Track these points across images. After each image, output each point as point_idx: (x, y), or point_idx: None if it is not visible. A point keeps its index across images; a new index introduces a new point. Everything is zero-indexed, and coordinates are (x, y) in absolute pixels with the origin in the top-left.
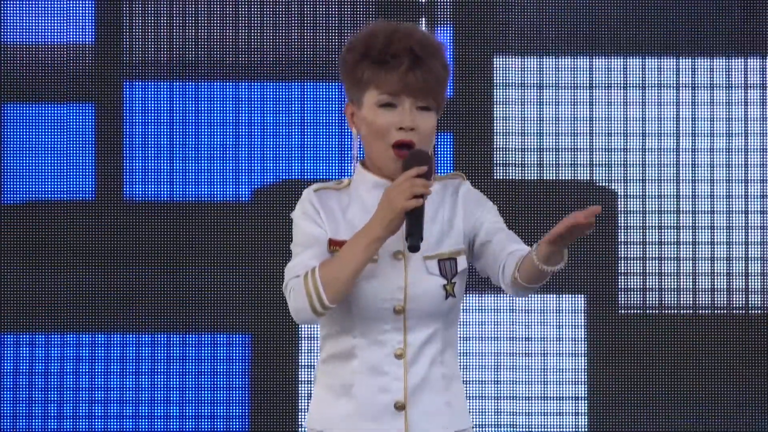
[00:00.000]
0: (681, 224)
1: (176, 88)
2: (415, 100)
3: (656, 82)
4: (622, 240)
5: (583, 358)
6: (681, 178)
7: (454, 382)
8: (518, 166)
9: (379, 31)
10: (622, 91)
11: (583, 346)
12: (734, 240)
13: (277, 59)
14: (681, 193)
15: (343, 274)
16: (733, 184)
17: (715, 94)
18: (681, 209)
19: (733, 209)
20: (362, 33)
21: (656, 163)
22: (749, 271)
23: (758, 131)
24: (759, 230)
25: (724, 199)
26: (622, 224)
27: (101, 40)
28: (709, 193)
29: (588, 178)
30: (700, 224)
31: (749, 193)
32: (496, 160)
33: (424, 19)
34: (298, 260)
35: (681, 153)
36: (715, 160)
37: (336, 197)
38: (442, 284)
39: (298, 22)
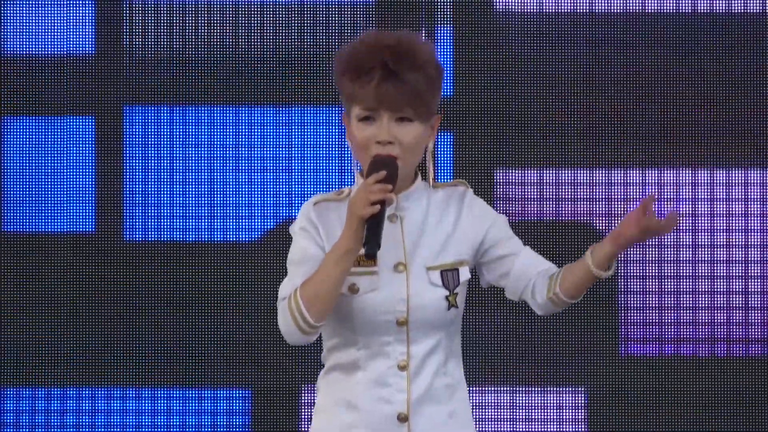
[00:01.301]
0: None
1: (177, 113)
2: (392, 113)
3: None
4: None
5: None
6: (681, 227)
7: (458, 392)
8: (518, 166)
9: (358, 45)
10: None
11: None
12: (734, 289)
13: (295, 84)
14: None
15: (321, 290)
16: (733, 231)
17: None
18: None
19: (733, 259)
20: (347, 46)
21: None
22: (749, 321)
23: (758, 187)
24: (759, 283)
25: (724, 249)
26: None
27: (101, 50)
28: (708, 243)
29: (589, 168)
30: (700, 272)
31: (749, 244)
32: (497, 160)
33: (424, 19)
34: (289, 282)
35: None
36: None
37: (335, 208)
38: (444, 295)
39: (303, 43)
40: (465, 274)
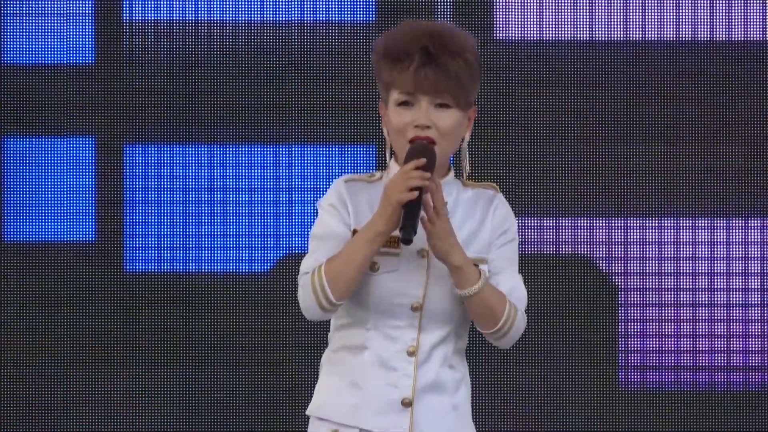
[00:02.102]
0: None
1: (177, 151)
2: (431, 98)
3: None
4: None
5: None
6: (681, 270)
7: (463, 387)
8: (519, 166)
9: (399, 31)
10: None
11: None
12: (734, 332)
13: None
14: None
15: (347, 270)
16: (732, 262)
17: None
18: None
19: (732, 302)
20: (386, 33)
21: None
22: (749, 350)
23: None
24: (759, 323)
25: (724, 292)
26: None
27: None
28: (708, 287)
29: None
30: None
31: (749, 286)
32: (497, 160)
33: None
34: (311, 257)
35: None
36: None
37: (366, 190)
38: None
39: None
40: (485, 272)
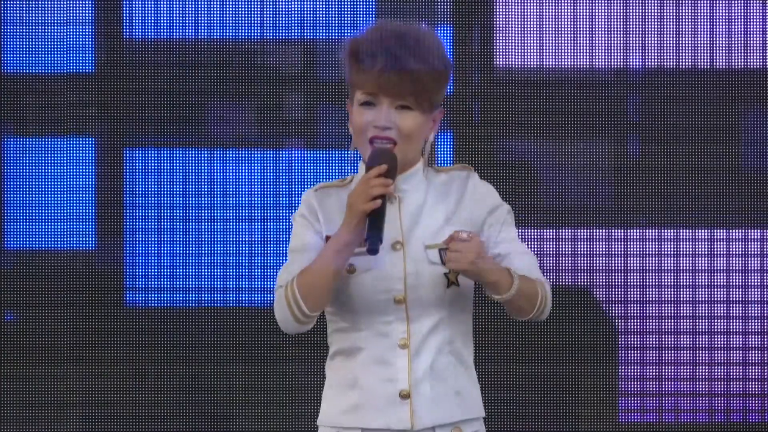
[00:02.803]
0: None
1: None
2: (392, 99)
3: None
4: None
5: None
6: (681, 299)
7: (466, 371)
8: (518, 166)
9: (367, 32)
10: None
11: None
12: (732, 360)
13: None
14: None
15: (318, 281)
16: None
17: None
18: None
19: (732, 329)
20: (358, 34)
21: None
22: (749, 392)
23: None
24: (757, 351)
25: (723, 321)
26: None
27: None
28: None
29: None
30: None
31: (748, 314)
32: (496, 160)
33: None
34: (286, 271)
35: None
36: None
37: (337, 194)
38: (443, 272)
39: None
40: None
